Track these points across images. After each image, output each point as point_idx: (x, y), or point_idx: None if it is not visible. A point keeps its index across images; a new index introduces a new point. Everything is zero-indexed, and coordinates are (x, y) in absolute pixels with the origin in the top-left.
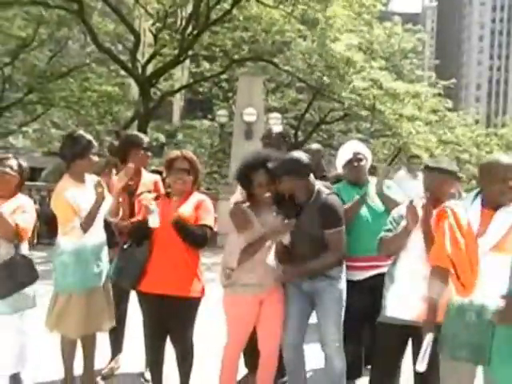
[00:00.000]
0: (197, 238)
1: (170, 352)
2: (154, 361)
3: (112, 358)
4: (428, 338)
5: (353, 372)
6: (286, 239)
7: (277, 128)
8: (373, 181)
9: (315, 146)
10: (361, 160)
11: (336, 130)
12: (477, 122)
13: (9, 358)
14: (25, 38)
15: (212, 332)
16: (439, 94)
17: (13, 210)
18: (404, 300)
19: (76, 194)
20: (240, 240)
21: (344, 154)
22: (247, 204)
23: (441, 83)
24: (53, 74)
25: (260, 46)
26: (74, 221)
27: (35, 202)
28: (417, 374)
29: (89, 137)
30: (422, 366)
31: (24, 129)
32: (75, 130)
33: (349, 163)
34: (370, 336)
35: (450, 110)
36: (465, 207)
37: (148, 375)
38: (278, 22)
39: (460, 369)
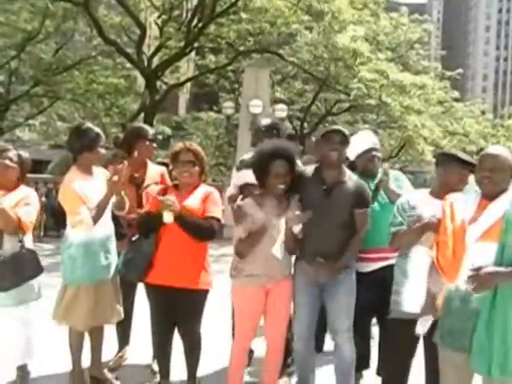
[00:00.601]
0: (203, 230)
1: (177, 344)
2: (162, 353)
3: (119, 351)
4: (425, 320)
5: (361, 363)
6: (296, 228)
7: (265, 120)
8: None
9: None
10: (377, 150)
11: (342, 121)
12: (483, 112)
13: (15, 349)
14: (31, 31)
15: (219, 324)
16: (446, 86)
17: (16, 202)
18: (420, 294)
19: (84, 186)
20: (239, 231)
21: (360, 144)
22: (255, 193)
23: (447, 74)
24: (58, 67)
25: (265, 37)
26: (82, 212)
27: (42, 195)
28: (427, 367)
29: (97, 129)
30: (420, 330)
31: (30, 122)
32: (83, 122)
33: (365, 154)
34: (380, 328)
35: (456, 100)
36: (465, 198)
37: (155, 367)
38: (284, 14)
39: (457, 359)
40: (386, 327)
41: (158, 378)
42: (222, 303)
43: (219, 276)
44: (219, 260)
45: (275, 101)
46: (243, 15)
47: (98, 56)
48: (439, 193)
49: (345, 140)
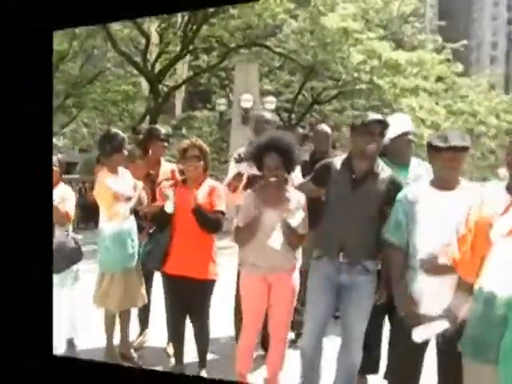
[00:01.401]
0: (212, 224)
1: (189, 330)
2: (176, 336)
3: (140, 333)
4: (439, 324)
5: (369, 366)
6: (295, 222)
7: (268, 115)
8: (414, 162)
9: (323, 126)
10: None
11: (329, 109)
12: (492, 86)
13: (66, 324)
14: (62, 51)
15: (220, 314)
16: (447, 60)
17: (62, 198)
18: (434, 294)
19: (114, 184)
20: (237, 219)
21: (395, 127)
22: (256, 185)
23: (448, 47)
24: (82, 81)
25: (253, 31)
26: (116, 206)
27: (76, 192)
28: (440, 368)
29: (122, 133)
30: (417, 337)
31: (63, 130)
32: (108, 128)
33: (400, 137)
34: (390, 328)
35: (459, 75)
36: (490, 191)
37: (169, 350)
38: (270, 6)
39: (483, 372)
40: (395, 327)
41: (172, 360)
42: (223, 295)
43: (220, 268)
44: (218, 253)
45: (263, 93)
46: (232, 11)
47: (112, 67)
48: (439, 183)
49: (385, 130)
